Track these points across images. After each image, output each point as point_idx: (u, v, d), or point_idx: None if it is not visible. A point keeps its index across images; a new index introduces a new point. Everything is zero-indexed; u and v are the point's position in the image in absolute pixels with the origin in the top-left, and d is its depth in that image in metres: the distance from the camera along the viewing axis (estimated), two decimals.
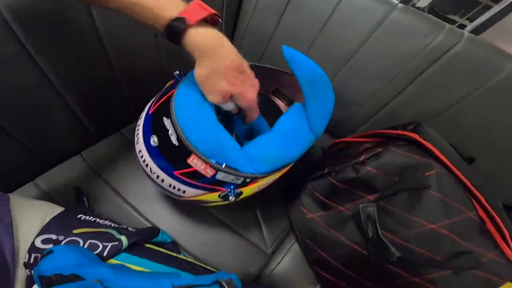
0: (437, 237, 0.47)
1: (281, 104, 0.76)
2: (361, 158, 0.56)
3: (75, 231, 0.49)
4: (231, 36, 0.92)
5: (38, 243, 0.46)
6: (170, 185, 0.51)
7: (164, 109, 0.47)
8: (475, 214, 0.47)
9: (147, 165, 0.52)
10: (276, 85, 0.74)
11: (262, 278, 0.70)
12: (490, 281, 0.46)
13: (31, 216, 0.48)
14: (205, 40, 0.41)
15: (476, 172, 0.50)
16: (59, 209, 0.53)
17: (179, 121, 0.44)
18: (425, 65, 0.66)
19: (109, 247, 0.48)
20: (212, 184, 0.49)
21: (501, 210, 0.47)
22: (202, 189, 0.50)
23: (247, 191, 0.53)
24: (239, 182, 0.50)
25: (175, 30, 0.40)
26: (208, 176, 0.47)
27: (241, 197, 0.54)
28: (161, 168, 0.50)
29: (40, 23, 0.48)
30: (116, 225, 0.57)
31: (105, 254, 0.47)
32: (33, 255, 0.45)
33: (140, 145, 0.51)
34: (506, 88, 0.58)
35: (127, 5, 0.39)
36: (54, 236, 0.47)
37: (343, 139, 0.72)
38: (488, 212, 0.46)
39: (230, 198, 0.51)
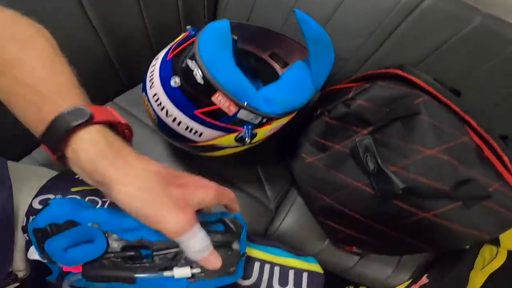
0: (437, 163, 0.50)
1: (277, 66, 0.78)
2: (351, 95, 0.61)
3: (73, 189, 0.47)
4: (214, 10, 0.92)
5: (35, 205, 0.45)
6: (187, 128, 0.52)
7: (187, 53, 0.48)
8: (469, 138, 0.51)
9: (162, 108, 0.52)
10: (273, 48, 0.76)
11: (269, 235, 0.73)
12: (501, 215, 0.50)
13: (29, 181, 0.46)
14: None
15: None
16: (53, 174, 0.51)
17: (204, 61, 0.46)
18: (400, 19, 0.71)
19: (108, 201, 0.47)
20: (231, 123, 0.51)
21: (496, 135, 0.52)
22: (221, 130, 0.52)
23: (261, 133, 0.56)
24: (256, 122, 0.52)
25: (68, 121, 0.28)
26: (230, 114, 0.49)
27: (254, 140, 0.56)
28: (181, 109, 0.50)
29: None
30: None
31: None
32: (31, 218, 0.44)
33: (155, 89, 0.52)
34: (477, 37, 0.65)
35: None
36: (52, 196, 0.46)
37: (333, 87, 0.76)
38: (483, 138, 0.51)
39: (246, 140, 0.53)
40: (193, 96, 0.48)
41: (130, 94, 0.81)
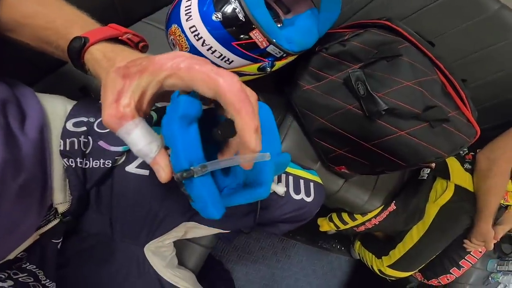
0: (412, 92, 0.67)
1: (280, 11, 0.87)
2: (347, 37, 0.75)
3: None
4: None
5: (70, 127, 0.45)
6: (220, 55, 0.64)
7: None
8: (437, 77, 0.70)
9: (199, 39, 0.62)
10: None
11: None
12: (456, 136, 0.69)
13: (54, 108, 0.46)
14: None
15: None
16: (74, 101, 0.52)
17: (247, 3, 0.57)
18: None
19: None
20: (260, 55, 0.64)
21: (458, 77, 0.70)
22: (250, 59, 0.65)
23: (279, 64, 0.70)
24: (278, 56, 0.66)
25: (73, 50, 0.35)
26: (262, 47, 0.62)
27: (272, 69, 0.70)
28: (219, 40, 0.61)
29: None
30: None
31: None
32: (68, 141, 0.44)
33: (193, 22, 0.62)
34: (454, 3, 0.82)
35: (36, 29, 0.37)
36: (84, 119, 0.47)
37: (329, 30, 0.86)
38: (448, 78, 0.70)
39: (267, 69, 0.68)
40: (232, 30, 0.60)
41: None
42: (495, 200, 0.98)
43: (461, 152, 1.11)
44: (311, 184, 0.61)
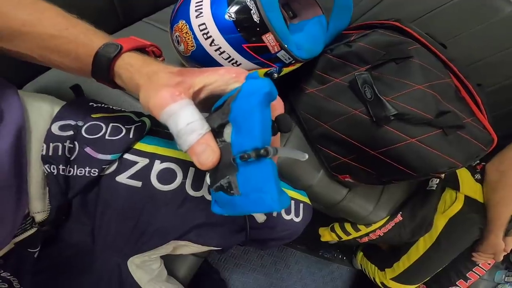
0: (423, 96, 0.64)
1: (286, 15, 0.87)
2: (353, 38, 0.74)
3: (93, 116, 0.48)
4: None
5: (55, 130, 0.44)
6: (228, 57, 0.62)
7: None
8: (450, 80, 0.68)
9: (208, 38, 0.61)
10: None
11: None
12: (471, 145, 0.66)
13: (40, 109, 0.45)
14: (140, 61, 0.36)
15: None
16: (63, 102, 0.50)
17: (263, 3, 0.56)
18: None
19: (133, 128, 0.48)
20: (269, 60, 0.63)
21: (473, 81, 0.68)
22: (258, 64, 0.63)
23: (285, 71, 0.69)
24: (287, 62, 0.65)
25: (106, 56, 0.35)
26: (273, 52, 0.61)
27: (279, 75, 0.69)
28: (229, 40, 0.60)
29: None
30: (131, 110, 0.56)
31: (130, 136, 0.47)
32: (51, 145, 0.43)
33: (204, 19, 0.60)
34: (467, 4, 0.81)
35: (45, 38, 0.36)
36: (72, 122, 0.46)
37: None
38: (462, 82, 0.68)
39: (274, 75, 0.66)
40: (245, 31, 0.58)
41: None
42: (505, 211, 0.97)
43: (476, 161, 1.09)
44: (301, 205, 0.62)
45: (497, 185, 0.98)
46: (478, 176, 1.07)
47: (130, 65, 0.35)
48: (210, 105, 0.36)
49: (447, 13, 0.84)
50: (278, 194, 0.29)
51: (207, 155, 0.30)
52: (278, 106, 0.36)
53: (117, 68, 0.36)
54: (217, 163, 0.31)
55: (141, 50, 0.39)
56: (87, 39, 0.36)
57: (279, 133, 0.36)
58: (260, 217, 0.49)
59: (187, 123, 0.30)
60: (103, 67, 0.35)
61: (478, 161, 1.10)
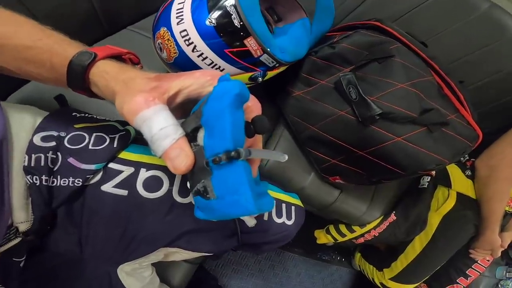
0: (406, 94, 0.65)
1: (270, 19, 0.87)
2: (336, 39, 0.75)
3: (76, 126, 0.48)
4: None
5: (37, 141, 0.43)
6: (211, 63, 0.63)
7: None
8: (432, 78, 0.69)
9: (190, 44, 0.61)
10: (271, 2, 0.86)
11: (259, 171, 0.85)
12: (457, 141, 0.67)
13: (22, 119, 0.45)
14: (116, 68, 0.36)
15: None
16: (46, 112, 0.49)
17: (243, 8, 0.56)
18: None
19: (117, 138, 0.48)
20: (252, 64, 0.63)
21: (455, 78, 0.69)
22: (241, 68, 0.64)
23: (270, 74, 0.69)
24: (271, 65, 0.65)
25: (80, 64, 0.35)
26: (256, 56, 0.61)
27: (264, 79, 0.69)
28: (211, 46, 0.60)
29: None
30: (115, 119, 0.56)
31: (115, 145, 0.47)
32: (33, 156, 0.43)
33: (185, 26, 0.60)
34: (445, 2, 0.83)
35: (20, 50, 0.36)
36: (54, 133, 0.45)
37: None
38: (444, 79, 0.69)
39: (258, 79, 0.67)
40: (226, 37, 0.58)
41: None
42: (499, 207, 0.98)
43: (462, 158, 1.10)
44: (293, 207, 0.62)
45: (488, 180, 0.99)
46: (468, 172, 1.08)
47: (105, 73, 0.35)
48: (189, 110, 0.36)
49: (427, 12, 0.85)
50: (254, 195, 0.28)
51: (180, 159, 0.30)
52: (254, 108, 0.36)
53: (92, 76, 0.35)
54: (191, 168, 0.31)
55: (118, 58, 0.39)
56: (61, 48, 0.36)
57: (260, 136, 0.37)
58: (250, 221, 0.47)
59: (161, 128, 0.30)
60: (77, 76, 0.35)
61: (467, 157, 1.11)
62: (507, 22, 0.83)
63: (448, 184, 1.08)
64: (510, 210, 1.04)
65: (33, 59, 0.36)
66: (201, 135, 0.31)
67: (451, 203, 1.07)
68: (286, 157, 0.33)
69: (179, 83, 0.34)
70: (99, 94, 0.37)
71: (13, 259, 0.44)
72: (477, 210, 1.03)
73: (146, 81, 0.33)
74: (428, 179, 1.08)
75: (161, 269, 0.63)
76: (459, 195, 1.06)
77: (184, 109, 0.37)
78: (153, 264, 0.61)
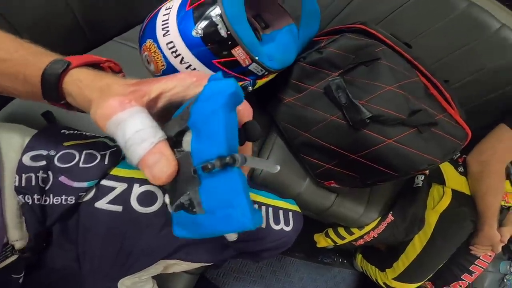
0: (395, 96, 0.67)
1: (258, 26, 0.87)
2: (323, 44, 0.76)
3: (65, 144, 0.47)
4: None
5: (27, 161, 0.43)
6: None
7: (209, 6, 0.57)
8: (418, 79, 0.70)
9: (177, 56, 0.61)
10: (260, 10, 0.86)
11: (254, 179, 0.86)
12: (447, 141, 0.68)
13: (10, 139, 0.44)
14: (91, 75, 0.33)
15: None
16: (34, 131, 0.48)
17: (229, 18, 0.56)
18: None
19: (108, 154, 0.48)
20: (241, 73, 0.63)
21: (440, 78, 0.70)
22: None
23: (259, 83, 0.70)
24: (260, 74, 0.65)
25: (53, 73, 0.32)
26: (244, 65, 0.61)
27: (254, 87, 0.69)
28: (198, 57, 0.60)
29: None
30: (105, 135, 0.55)
31: (106, 162, 0.47)
32: (24, 176, 0.42)
33: (171, 38, 0.60)
34: (427, 2, 0.84)
35: None
36: (44, 152, 0.45)
37: None
38: (429, 79, 0.70)
39: (249, 88, 0.67)
40: (214, 47, 0.58)
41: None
42: (494, 201, 0.98)
43: (453, 155, 1.11)
44: (290, 213, 0.62)
45: (481, 176, 0.99)
46: (461, 169, 1.09)
47: (79, 81, 0.32)
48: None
49: (409, 12, 0.87)
50: (250, 208, 0.25)
51: (160, 166, 0.26)
52: (245, 113, 0.33)
53: (65, 85, 0.33)
54: (174, 177, 0.27)
55: (96, 66, 0.37)
56: (36, 59, 0.34)
57: (250, 143, 0.33)
58: (230, 236, 0.41)
59: (136, 131, 0.27)
60: (51, 86, 0.33)
61: (459, 154, 1.12)
62: (485, 20, 0.84)
63: (442, 181, 1.09)
64: (506, 204, 1.04)
65: (7, 71, 0.34)
66: (187, 139, 0.27)
67: (446, 200, 1.07)
68: (278, 168, 0.30)
69: (160, 86, 0.31)
70: (74, 105, 0.35)
71: (12, 275, 0.44)
72: (473, 206, 1.03)
73: (124, 87, 0.30)
74: (422, 178, 1.08)
75: (161, 281, 0.63)
76: (454, 192, 1.07)
77: (167, 118, 0.32)
78: (154, 277, 0.61)
